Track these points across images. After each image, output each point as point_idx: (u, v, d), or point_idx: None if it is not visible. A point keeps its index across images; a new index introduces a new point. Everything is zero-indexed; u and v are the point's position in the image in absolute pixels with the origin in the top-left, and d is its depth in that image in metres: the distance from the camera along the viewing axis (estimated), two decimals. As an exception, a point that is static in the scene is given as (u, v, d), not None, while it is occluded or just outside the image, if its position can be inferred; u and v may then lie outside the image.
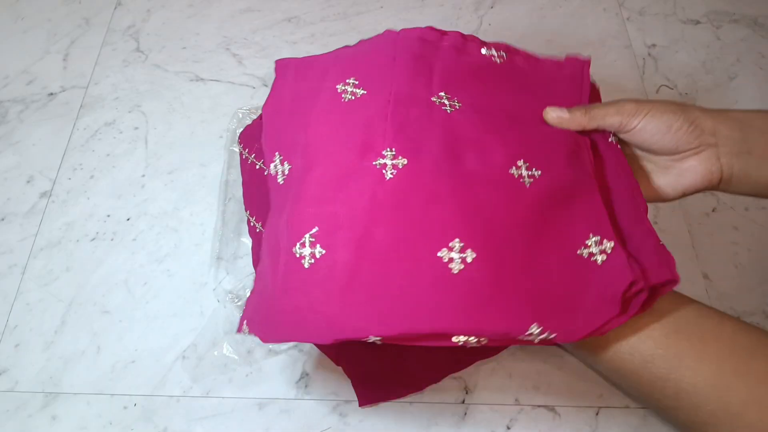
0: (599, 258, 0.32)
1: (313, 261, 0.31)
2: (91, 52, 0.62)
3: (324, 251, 0.31)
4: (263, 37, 0.62)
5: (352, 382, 0.42)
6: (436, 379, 0.42)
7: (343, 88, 0.36)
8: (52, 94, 0.59)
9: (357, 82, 0.37)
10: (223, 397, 0.43)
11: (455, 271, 0.30)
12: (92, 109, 0.58)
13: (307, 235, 0.31)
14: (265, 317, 0.32)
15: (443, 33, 0.40)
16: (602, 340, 0.32)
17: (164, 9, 0.65)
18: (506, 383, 0.43)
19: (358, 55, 0.39)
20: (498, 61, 0.40)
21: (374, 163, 0.33)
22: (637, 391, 0.34)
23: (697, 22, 0.62)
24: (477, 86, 0.38)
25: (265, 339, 0.32)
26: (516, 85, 0.39)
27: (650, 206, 0.43)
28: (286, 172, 0.36)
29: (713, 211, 0.50)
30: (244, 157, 0.50)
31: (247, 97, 0.58)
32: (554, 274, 0.32)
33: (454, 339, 0.30)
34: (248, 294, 0.45)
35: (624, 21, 0.62)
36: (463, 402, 0.42)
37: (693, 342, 0.30)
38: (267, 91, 0.58)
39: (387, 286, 0.30)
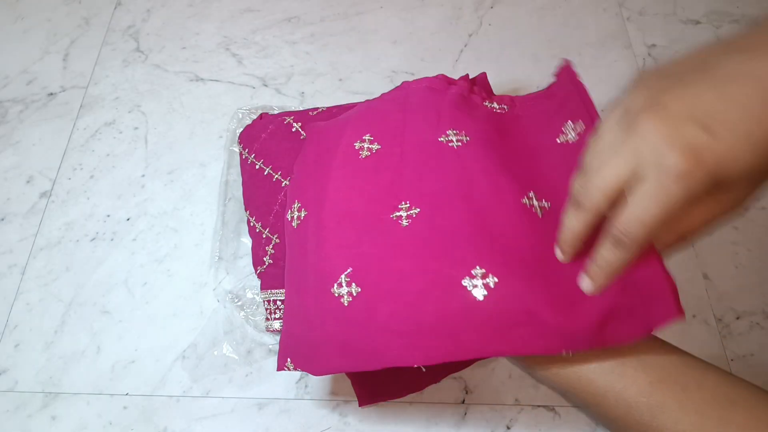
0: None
1: (350, 299, 0.33)
2: (91, 52, 0.62)
3: (360, 289, 0.33)
4: (263, 37, 0.62)
5: (352, 382, 0.42)
6: (436, 379, 0.42)
7: (360, 145, 0.40)
8: (52, 94, 0.59)
9: (372, 138, 0.40)
10: (223, 397, 0.43)
11: (480, 298, 0.31)
12: (92, 109, 0.58)
13: (342, 276, 0.34)
14: (309, 353, 0.34)
15: (451, 81, 0.43)
16: (590, 387, 0.33)
17: (164, 9, 0.65)
18: (506, 383, 0.43)
19: (371, 113, 0.43)
20: (500, 111, 0.43)
21: (391, 216, 0.35)
22: None
23: (697, 22, 0.62)
24: (483, 123, 0.40)
25: (316, 372, 0.34)
26: (519, 127, 0.42)
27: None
28: (302, 217, 0.40)
29: (713, 211, 0.50)
30: (243, 157, 0.50)
31: (247, 97, 0.58)
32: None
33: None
34: (248, 294, 0.46)
35: (624, 21, 0.62)
36: (463, 402, 0.42)
37: (676, 391, 0.31)
38: (267, 91, 0.59)
39: (421, 318, 0.32)
